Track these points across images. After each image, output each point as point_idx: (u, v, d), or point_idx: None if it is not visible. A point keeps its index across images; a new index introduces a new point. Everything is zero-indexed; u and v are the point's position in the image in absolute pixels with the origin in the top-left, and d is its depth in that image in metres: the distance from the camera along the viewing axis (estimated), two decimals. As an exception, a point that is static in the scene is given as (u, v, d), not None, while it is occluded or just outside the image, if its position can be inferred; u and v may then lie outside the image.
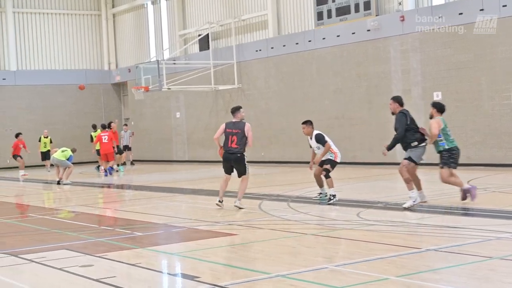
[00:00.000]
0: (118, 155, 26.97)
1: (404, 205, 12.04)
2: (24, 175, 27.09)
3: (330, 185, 13.59)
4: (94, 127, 28.52)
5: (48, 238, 10.84)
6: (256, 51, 27.66)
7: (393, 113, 12.55)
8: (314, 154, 14.08)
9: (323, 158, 13.83)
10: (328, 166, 13.69)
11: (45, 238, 10.91)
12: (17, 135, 28.95)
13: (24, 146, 28.66)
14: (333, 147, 13.88)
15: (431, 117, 12.68)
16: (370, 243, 8.95)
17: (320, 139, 13.78)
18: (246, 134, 13.28)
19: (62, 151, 22.18)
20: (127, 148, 30.45)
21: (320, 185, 14.08)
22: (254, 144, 27.31)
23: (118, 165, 26.29)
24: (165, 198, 16.45)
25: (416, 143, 12.27)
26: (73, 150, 22.65)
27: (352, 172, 20.93)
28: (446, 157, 12.42)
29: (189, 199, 16.31)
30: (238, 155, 13.30)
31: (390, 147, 12.38)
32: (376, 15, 23.11)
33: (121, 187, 21.51)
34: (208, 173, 23.93)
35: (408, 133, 12.26)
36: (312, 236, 9.80)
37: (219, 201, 13.51)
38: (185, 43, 31.78)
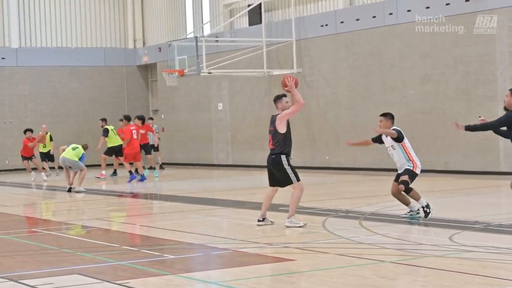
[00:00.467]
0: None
1: None
2: (33, 180, 27.75)
3: (417, 197, 13.50)
4: (105, 120, 28.47)
5: (56, 260, 10.98)
6: (321, 26, 27.61)
7: (506, 109, 12.33)
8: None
9: (400, 171, 13.64)
10: (405, 177, 13.51)
11: (52, 259, 11.06)
12: (25, 131, 29.35)
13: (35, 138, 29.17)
14: (413, 154, 13.74)
15: None
16: (466, 274, 8.90)
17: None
18: (279, 129, 13.20)
19: (73, 149, 22.22)
20: (153, 147, 30.29)
21: (406, 202, 13.95)
22: (315, 146, 27.05)
23: (135, 170, 26.25)
24: (202, 212, 16.53)
25: None
26: (85, 147, 22.63)
27: (443, 183, 20.74)
28: None
29: (233, 214, 16.37)
30: (273, 156, 13.31)
31: (471, 128, 12.28)
32: (478, -19, 22.89)
33: (147, 197, 21.69)
34: (258, 181, 23.94)
35: None
36: (390, 265, 9.76)
37: (259, 220, 13.59)
38: (230, 15, 31.91)
